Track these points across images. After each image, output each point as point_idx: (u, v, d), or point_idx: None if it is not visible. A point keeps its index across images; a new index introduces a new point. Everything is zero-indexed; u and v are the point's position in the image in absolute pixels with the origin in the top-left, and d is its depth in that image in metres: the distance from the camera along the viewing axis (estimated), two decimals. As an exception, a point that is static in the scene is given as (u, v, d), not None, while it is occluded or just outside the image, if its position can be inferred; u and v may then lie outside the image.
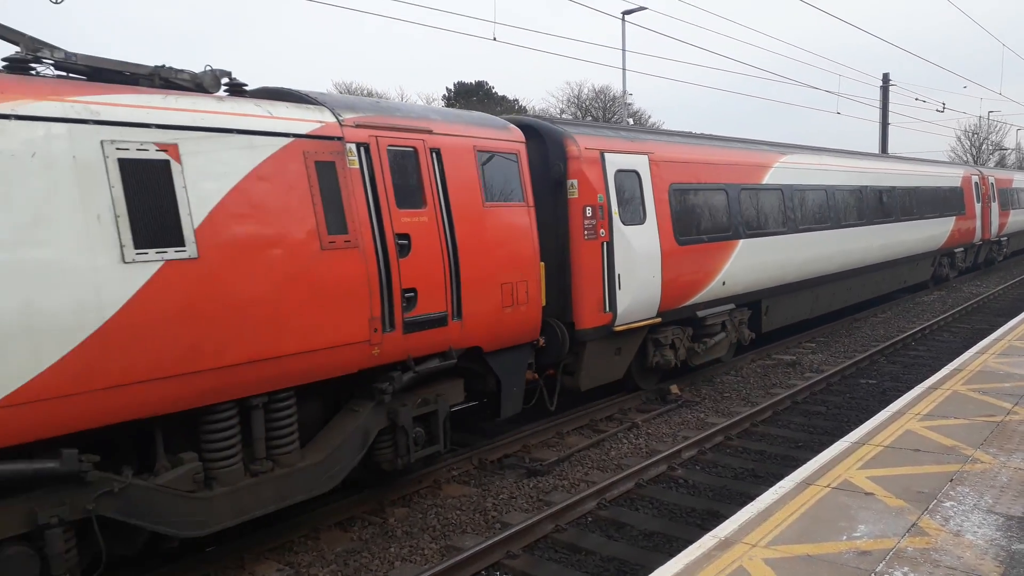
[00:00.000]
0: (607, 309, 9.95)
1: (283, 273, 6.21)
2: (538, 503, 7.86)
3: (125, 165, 5.44)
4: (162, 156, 5.66)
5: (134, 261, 5.36)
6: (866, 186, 17.47)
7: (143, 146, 5.57)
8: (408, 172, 7.42)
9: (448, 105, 50.27)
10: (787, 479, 6.21)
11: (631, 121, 42.26)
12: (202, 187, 5.83)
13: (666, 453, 8.90)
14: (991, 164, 74.90)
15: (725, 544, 5.02)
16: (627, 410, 11.05)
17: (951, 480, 5.95)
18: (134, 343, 5.32)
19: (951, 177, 23.55)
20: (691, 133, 13.71)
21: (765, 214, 13.42)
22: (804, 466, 6.52)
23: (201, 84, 6.41)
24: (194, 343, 5.62)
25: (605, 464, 8.99)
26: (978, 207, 25.28)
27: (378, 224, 7.02)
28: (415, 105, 8.62)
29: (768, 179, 13.67)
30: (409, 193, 7.38)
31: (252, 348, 5.98)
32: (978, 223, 25.34)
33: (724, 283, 12.19)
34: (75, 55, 5.89)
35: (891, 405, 8.34)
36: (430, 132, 7.75)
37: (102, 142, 5.36)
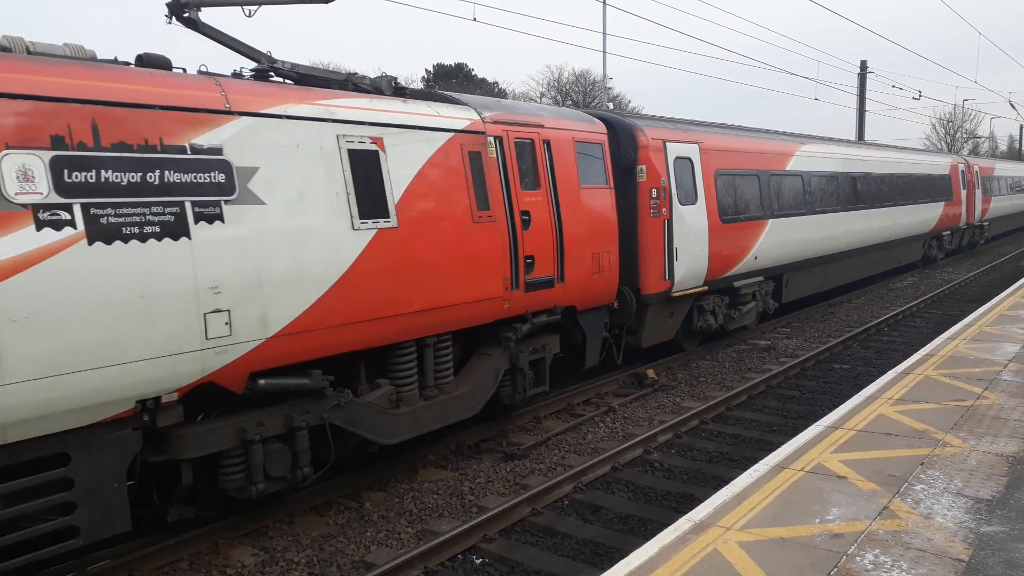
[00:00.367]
0: (667, 278, 11.49)
1: (449, 241, 7.77)
2: (515, 487, 7.88)
3: (352, 154, 6.97)
4: (373, 147, 7.19)
5: (359, 228, 6.92)
6: (869, 173, 19.10)
7: (362, 139, 7.11)
8: (528, 160, 9.00)
9: (427, 87, 49.88)
10: (761, 463, 6.26)
11: (611, 106, 42.19)
12: (398, 171, 7.39)
13: (642, 437, 8.95)
14: (965, 152, 75.86)
15: (700, 527, 5.06)
16: (604, 394, 11.10)
17: (922, 464, 6.04)
18: (358, 292, 6.85)
19: (941, 165, 25.20)
20: (726, 124, 15.11)
21: (789, 197, 15.07)
22: (778, 450, 6.57)
23: (379, 88, 7.89)
24: (393, 294, 7.19)
25: (582, 448, 9.02)
26: (964, 193, 26.94)
27: (508, 203, 8.58)
28: (529, 104, 10.77)
29: (791, 166, 15.34)
30: (529, 177, 8.96)
31: (429, 299, 7.57)
32: (964, 208, 27.04)
33: (756, 257, 13.79)
34: (297, 66, 7.49)
35: (864, 390, 8.44)
36: (542, 127, 9.31)
37: (337, 136, 6.89)
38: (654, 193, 11.20)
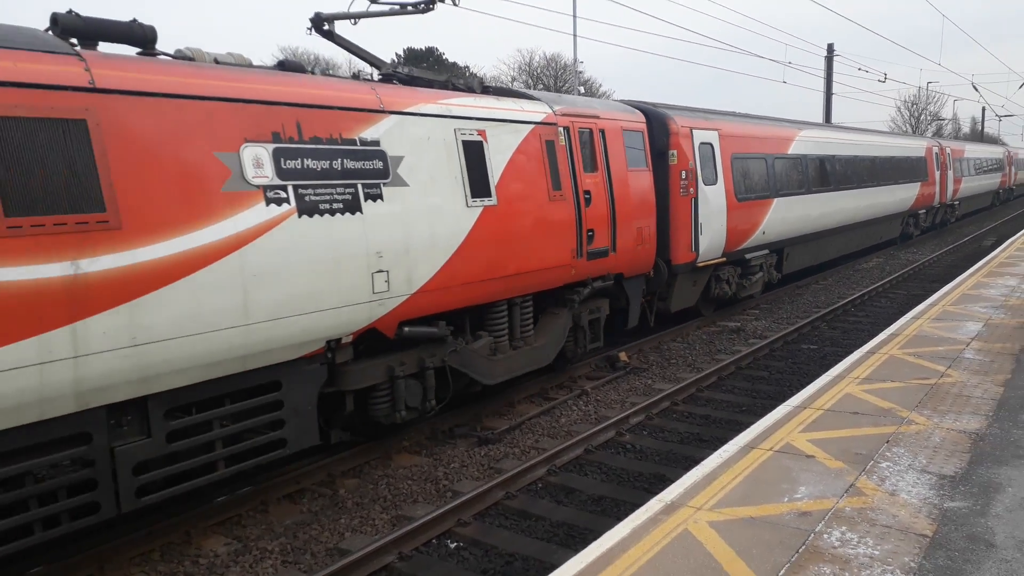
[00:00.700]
0: (693, 250, 12.87)
1: (532, 216, 9.18)
2: (489, 471, 7.91)
3: (465, 144, 8.39)
4: (479, 138, 8.62)
5: (471, 206, 8.35)
6: (857, 156, 20.80)
7: (471, 132, 8.53)
8: (588, 146, 10.36)
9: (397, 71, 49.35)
10: (731, 443, 6.35)
11: (582, 90, 42.10)
12: (496, 158, 8.81)
13: (614, 419, 9.02)
14: (929, 134, 77.02)
15: (671, 508, 5.12)
16: (577, 377, 11.16)
17: (887, 441, 6.16)
18: (470, 259, 8.28)
19: (917, 148, 26.97)
20: (737, 113, 16.57)
21: (791, 178, 16.61)
22: (747, 430, 6.67)
23: (471, 87, 9.28)
24: (494, 260, 8.63)
25: (555, 431, 9.08)
26: (937, 175, 28.74)
27: (574, 183, 9.92)
28: (585, 98, 12.19)
29: (792, 150, 16.86)
30: (589, 161, 10.34)
31: (518, 265, 9.02)
32: (937, 188, 28.90)
33: (764, 232, 15.27)
34: (411, 71, 9.11)
35: (831, 369, 8.58)
36: (598, 117, 10.70)
37: (455, 129, 8.32)
38: (683, 175, 12.63)
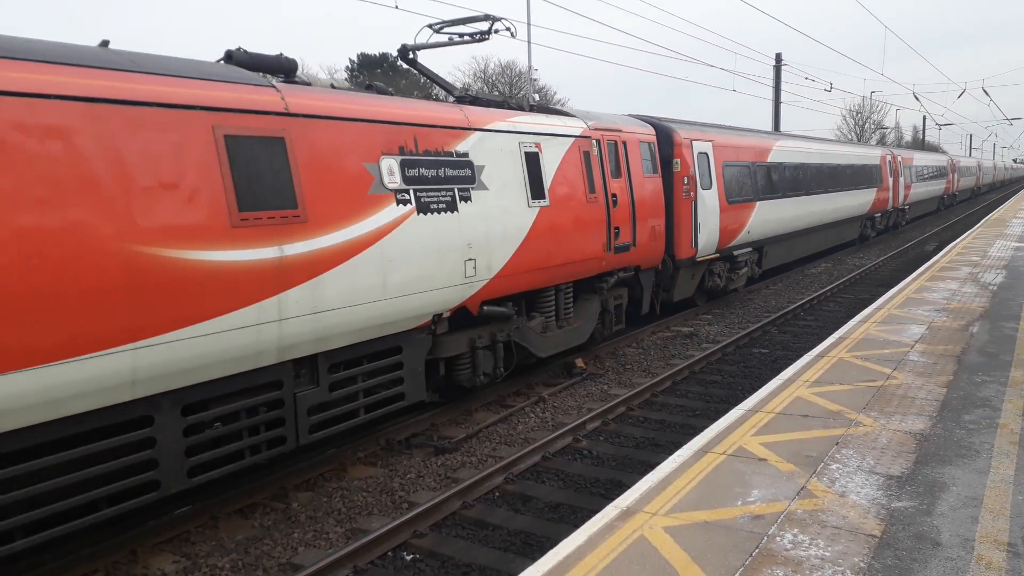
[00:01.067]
0: (693, 246, 14.56)
1: (574, 215, 10.76)
2: (446, 481, 7.84)
3: (526, 154, 9.97)
4: (536, 150, 10.19)
5: (531, 207, 9.92)
6: (823, 164, 22.86)
7: (530, 144, 10.12)
8: (614, 156, 12.04)
9: (351, 78, 48.92)
10: (685, 447, 6.40)
11: (536, 97, 42.30)
12: (548, 166, 10.39)
13: (571, 425, 9.04)
14: (873, 142, 79.27)
15: (627, 514, 5.14)
16: (534, 384, 11.16)
17: (837, 443, 6.28)
18: (530, 250, 9.85)
19: (874, 157, 29.52)
20: (723, 125, 18.49)
21: (769, 184, 18.48)
22: (701, 434, 6.73)
23: (522, 106, 11.09)
24: (547, 252, 10.21)
25: (512, 439, 9.05)
26: (891, 181, 31.17)
27: (604, 187, 11.56)
28: (609, 113, 13.40)
29: (770, 159, 18.80)
30: (615, 168, 11.99)
31: (564, 256, 10.58)
32: (891, 194, 31.38)
33: (749, 232, 17.13)
34: (478, 94, 10.72)
35: (782, 373, 8.73)
36: (621, 131, 12.45)
37: (519, 142, 9.91)
38: (685, 180, 14.31)
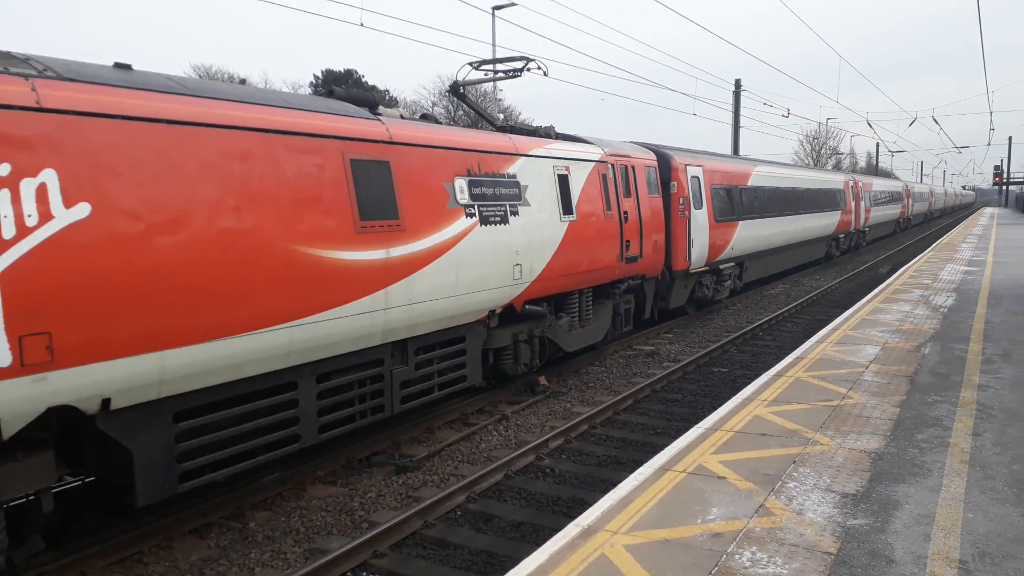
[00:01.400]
0: (687, 259, 16.32)
1: (595, 229, 12.39)
2: (407, 500, 7.77)
3: (559, 176, 11.64)
4: (566, 172, 11.85)
5: (562, 221, 11.52)
6: (795, 188, 24.94)
7: (562, 168, 11.76)
8: (624, 178, 13.73)
9: (315, 92, 48.70)
10: (646, 465, 6.44)
11: (501, 117, 42.51)
12: (575, 187, 12.02)
13: (534, 443, 9.04)
14: (829, 167, 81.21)
15: (588, 532, 5.15)
16: (497, 402, 11.15)
17: (794, 462, 6.38)
18: (562, 257, 11.41)
19: (838, 182, 32.09)
20: (710, 152, 20.91)
21: (750, 205, 20.37)
22: (662, 452, 6.78)
23: (549, 134, 12.54)
24: (574, 260, 11.80)
25: (475, 457, 9.02)
26: (853, 204, 33.64)
27: (617, 205, 13.23)
28: (620, 141, 14.86)
29: (750, 182, 20.75)
30: (625, 189, 13.67)
31: (587, 265, 12.23)
32: (853, 216, 33.83)
33: (732, 248, 19.04)
34: (515, 124, 12.37)
35: (741, 392, 8.85)
36: (630, 157, 14.19)
37: (553, 166, 11.53)
38: (681, 201, 16.03)
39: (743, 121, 36.21)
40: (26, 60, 5.76)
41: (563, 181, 11.75)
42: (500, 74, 12.61)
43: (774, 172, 23.61)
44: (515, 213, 10.44)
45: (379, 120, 8.61)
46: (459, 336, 9.70)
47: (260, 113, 7.08)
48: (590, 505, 5.75)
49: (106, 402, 5.77)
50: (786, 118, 39.13)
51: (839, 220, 31.03)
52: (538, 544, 5.33)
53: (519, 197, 10.58)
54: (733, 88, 36.78)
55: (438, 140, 9.37)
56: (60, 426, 5.85)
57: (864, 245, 38.67)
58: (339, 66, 56.36)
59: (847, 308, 15.78)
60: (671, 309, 16.65)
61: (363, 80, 54.17)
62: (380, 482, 8.21)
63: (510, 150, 10.74)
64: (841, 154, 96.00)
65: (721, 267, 18.59)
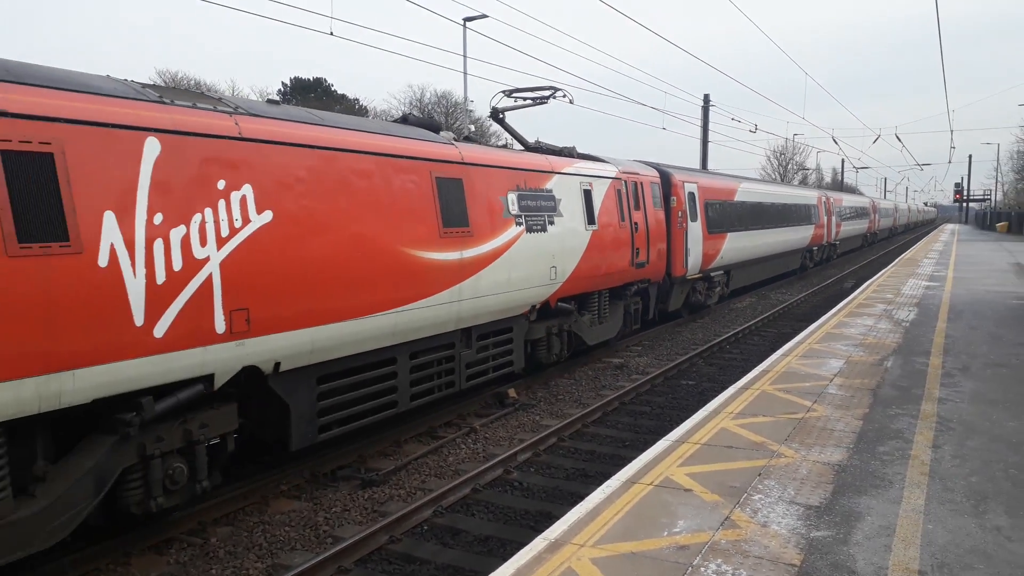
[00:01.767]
0: (684, 266, 18.26)
1: (612, 237, 14.17)
2: (373, 514, 7.68)
3: (584, 191, 13.35)
4: (589, 187, 13.59)
5: (587, 230, 13.22)
6: (775, 203, 27.08)
7: (587, 184, 13.52)
8: (634, 193, 15.47)
9: (284, 100, 48.35)
10: (614, 478, 6.44)
11: (472, 128, 42.58)
12: (596, 201, 13.73)
13: (502, 457, 9.00)
14: (795, 182, 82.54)
15: (555, 546, 5.13)
16: (466, 415, 11.09)
17: (759, 474, 6.43)
18: (586, 261, 13.11)
19: (812, 197, 34.50)
20: (703, 169, 24.44)
21: (737, 219, 22.39)
22: (629, 465, 6.79)
23: (572, 153, 14.02)
24: (595, 264, 13.50)
25: (443, 471, 8.95)
26: (826, 219, 35.91)
27: (629, 217, 15.01)
28: (630, 160, 16.70)
29: (737, 198, 22.88)
30: (635, 203, 15.45)
31: (605, 268, 13.95)
32: (826, 230, 36.09)
33: (722, 257, 21.04)
34: (543, 144, 13.89)
35: (707, 405, 8.91)
36: (638, 174, 16.00)
37: (579, 182, 13.32)
38: (679, 214, 17.93)
39: (711, 136, 36.72)
40: (220, 100, 7.50)
41: (587, 195, 13.46)
42: (529, 101, 13.93)
43: (757, 188, 25.91)
44: (551, 223, 12.15)
45: (453, 144, 10.42)
46: (508, 327, 11.44)
47: (377, 140, 8.89)
48: (558, 518, 5.73)
49: (276, 365, 7.43)
50: (753, 133, 39.72)
51: (813, 234, 33.11)
52: (505, 558, 5.28)
53: (555, 209, 12.33)
54: (702, 103, 37.28)
55: (496, 161, 11.20)
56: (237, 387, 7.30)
57: (835, 257, 40.63)
58: (308, 74, 56.11)
59: (813, 322, 15.99)
60: (670, 311, 18.36)
61: (332, 89, 53.97)
62: (345, 496, 8.11)
63: (547, 168, 12.49)
64: (807, 169, 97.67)
65: (712, 275, 20.57)
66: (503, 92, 13.79)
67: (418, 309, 9.10)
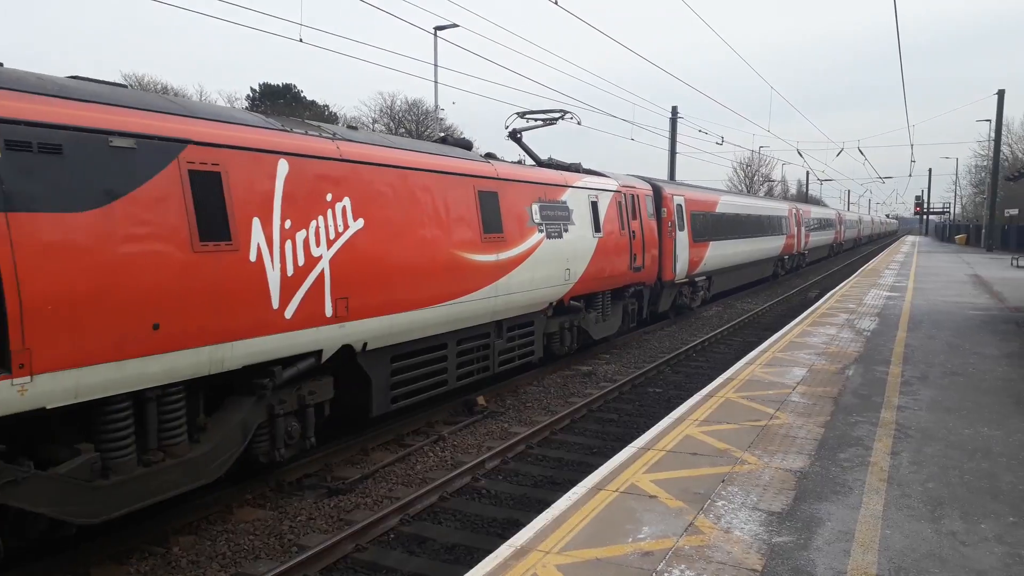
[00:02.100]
0: (673, 271, 19.97)
1: (614, 244, 15.78)
2: (339, 523, 7.63)
3: (591, 203, 15.02)
4: (595, 199, 15.23)
5: (594, 237, 14.86)
6: (751, 214, 29.03)
7: (594, 196, 15.21)
8: (632, 205, 17.09)
9: (253, 107, 47.90)
10: (580, 485, 6.48)
11: (444, 135, 42.60)
12: (601, 211, 15.41)
13: (470, 464, 9.00)
14: (761, 194, 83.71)
15: (521, 553, 5.14)
16: (434, 423, 11.07)
17: (723, 481, 6.52)
18: (594, 264, 14.79)
19: (784, 209, 36.56)
20: (688, 183, 25.91)
21: (718, 229, 24.17)
22: (595, 472, 6.84)
23: (578, 169, 15.64)
24: (601, 267, 15.13)
25: (410, 479, 8.92)
26: (796, 229, 37.98)
27: (628, 226, 16.61)
28: (627, 175, 18.39)
29: (718, 209, 24.79)
30: (632, 213, 17.01)
31: (609, 271, 15.59)
32: (796, 240, 38.21)
33: (705, 264, 22.65)
34: (553, 160, 15.68)
35: (673, 412, 9.00)
36: (635, 188, 17.63)
37: (587, 194, 14.94)
38: (670, 224, 19.64)
39: (679, 147, 37.17)
40: (320, 127, 9.01)
41: (594, 207, 15.06)
42: (540, 122, 15.71)
43: (736, 201, 28.28)
44: (566, 230, 13.69)
45: (489, 162, 12.05)
46: (530, 321, 13.03)
47: (436, 160, 10.51)
48: (525, 526, 5.75)
49: (364, 345, 8.94)
50: (720, 145, 40.38)
51: (785, 243, 35.41)
52: (471, 566, 5.28)
53: (568, 218, 13.87)
54: (670, 115, 37.71)
55: (523, 176, 12.91)
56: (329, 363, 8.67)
57: (805, 266, 43.18)
58: (277, 80, 55.61)
59: (777, 331, 16.24)
60: (660, 312, 20.27)
61: (302, 95, 53.55)
62: (311, 505, 8.04)
63: (562, 183, 14.11)
64: (773, 181, 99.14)
65: (696, 280, 22.49)
66: (517, 114, 15.64)
67: (465, 303, 10.65)
